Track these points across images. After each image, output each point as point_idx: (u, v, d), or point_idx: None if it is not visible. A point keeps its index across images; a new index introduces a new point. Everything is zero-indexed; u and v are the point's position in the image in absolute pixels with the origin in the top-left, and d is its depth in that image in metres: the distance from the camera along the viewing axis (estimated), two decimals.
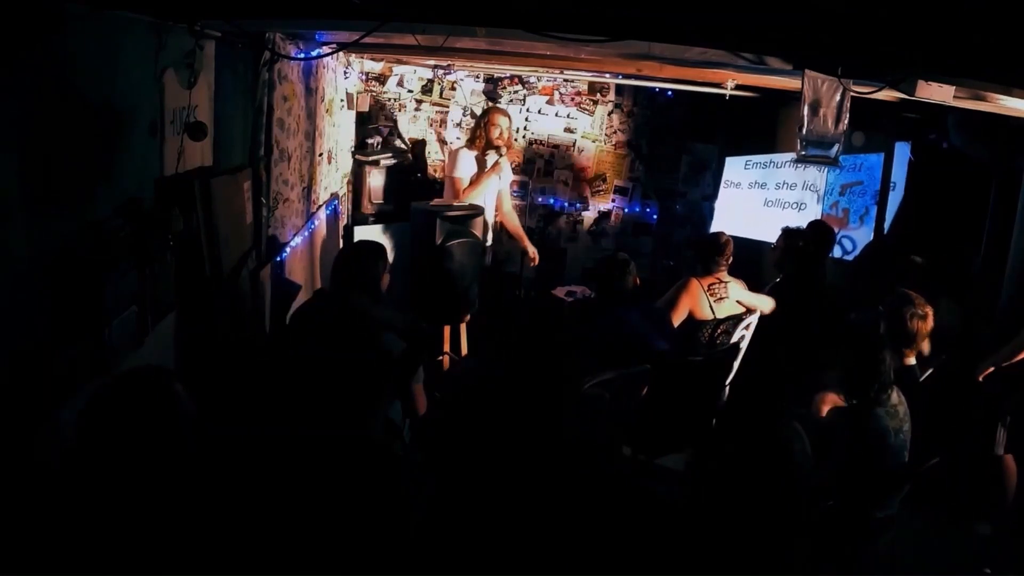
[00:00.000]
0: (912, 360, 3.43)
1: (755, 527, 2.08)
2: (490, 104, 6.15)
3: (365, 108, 6.16)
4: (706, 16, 2.49)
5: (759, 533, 2.08)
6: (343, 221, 5.57)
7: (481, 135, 5.20)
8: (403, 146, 6.32)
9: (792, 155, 5.40)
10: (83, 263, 2.00)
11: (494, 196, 5.29)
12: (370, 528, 1.89)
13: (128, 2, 2.11)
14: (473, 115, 6.39)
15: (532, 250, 5.51)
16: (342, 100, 5.35)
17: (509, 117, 5.37)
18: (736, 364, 4.17)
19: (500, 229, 5.58)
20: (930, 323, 3.43)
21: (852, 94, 3.03)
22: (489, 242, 5.34)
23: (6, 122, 1.70)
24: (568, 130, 6.52)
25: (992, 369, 3.75)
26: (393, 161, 5.89)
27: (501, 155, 5.15)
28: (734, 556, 2.06)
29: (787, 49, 2.84)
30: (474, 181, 5.14)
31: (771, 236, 5.01)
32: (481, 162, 5.18)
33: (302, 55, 3.91)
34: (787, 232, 4.67)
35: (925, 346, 3.47)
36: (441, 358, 5.10)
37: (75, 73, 1.96)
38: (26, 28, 1.73)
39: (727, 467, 2.18)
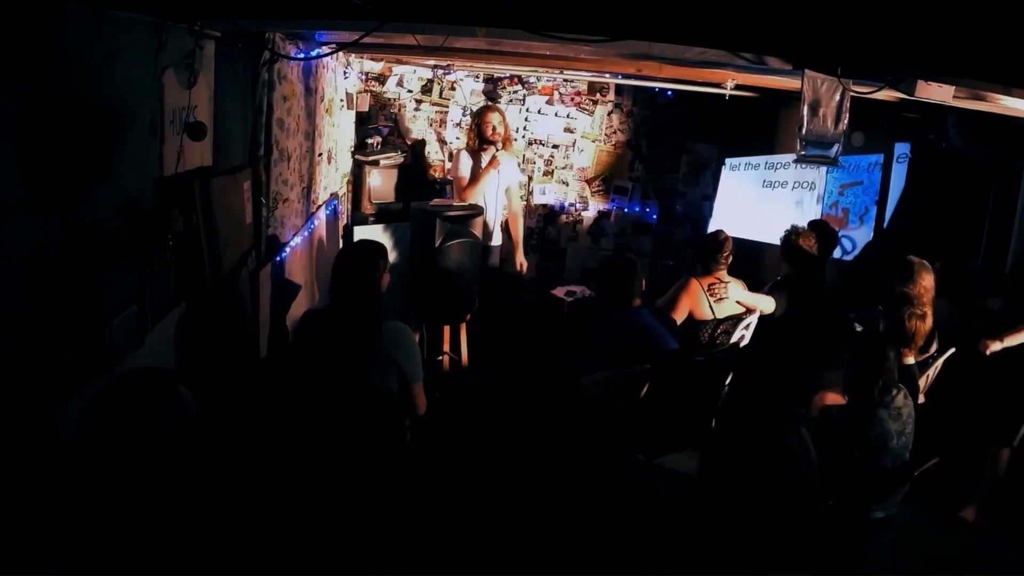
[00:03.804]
0: (911, 359, 3.43)
1: (761, 531, 2.08)
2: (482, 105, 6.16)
3: (365, 108, 6.16)
4: (706, 16, 2.49)
5: (765, 537, 2.08)
6: (343, 221, 5.57)
7: (473, 136, 5.38)
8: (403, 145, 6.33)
9: (790, 155, 5.43)
10: (83, 263, 2.00)
11: (495, 193, 5.32)
12: (370, 529, 1.90)
13: (128, 2, 2.11)
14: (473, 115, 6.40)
15: (521, 262, 5.69)
16: (342, 100, 5.36)
17: (501, 112, 5.51)
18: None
19: (504, 228, 5.61)
20: (929, 323, 3.43)
21: (852, 94, 3.03)
22: (492, 242, 5.35)
23: (6, 122, 1.69)
24: (568, 130, 6.52)
25: (999, 344, 3.73)
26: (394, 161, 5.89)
27: (498, 149, 5.23)
28: (738, 558, 2.06)
29: (787, 49, 2.84)
30: (473, 179, 5.23)
31: (770, 236, 5.00)
32: (477, 160, 5.27)
33: (302, 55, 3.91)
34: (792, 231, 4.64)
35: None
36: (441, 358, 5.10)
37: (75, 73, 1.96)
38: (26, 28, 1.73)
39: (734, 472, 2.18)
